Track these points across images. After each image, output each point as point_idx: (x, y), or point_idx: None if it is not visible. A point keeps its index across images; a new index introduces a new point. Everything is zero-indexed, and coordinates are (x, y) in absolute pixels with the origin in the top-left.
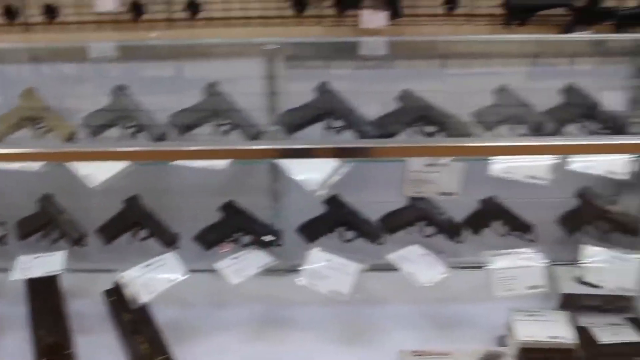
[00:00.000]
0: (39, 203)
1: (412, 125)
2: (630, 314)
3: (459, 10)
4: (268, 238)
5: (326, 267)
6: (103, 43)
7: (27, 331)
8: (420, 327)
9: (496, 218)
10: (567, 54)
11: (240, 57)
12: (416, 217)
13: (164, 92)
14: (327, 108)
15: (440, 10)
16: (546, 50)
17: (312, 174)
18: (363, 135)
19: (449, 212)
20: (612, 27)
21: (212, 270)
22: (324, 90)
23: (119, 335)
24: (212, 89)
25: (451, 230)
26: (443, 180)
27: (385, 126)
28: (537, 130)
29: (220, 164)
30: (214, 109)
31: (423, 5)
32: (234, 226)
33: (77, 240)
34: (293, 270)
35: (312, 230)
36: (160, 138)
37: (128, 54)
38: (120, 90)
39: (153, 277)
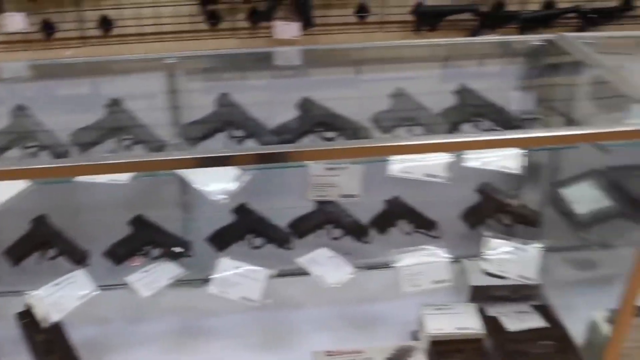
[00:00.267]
0: None
1: (311, 132)
2: (536, 302)
3: (371, 18)
4: (178, 249)
5: (235, 274)
6: (13, 63)
7: None
8: (334, 328)
9: (401, 217)
10: (475, 57)
11: (149, 72)
12: (324, 220)
13: (70, 110)
14: (226, 119)
15: (352, 19)
16: (455, 53)
17: (215, 184)
18: (263, 143)
19: (356, 214)
20: (517, 29)
21: (125, 285)
22: (223, 102)
23: (33, 357)
24: (114, 106)
25: (358, 231)
26: (344, 183)
27: (284, 133)
28: (432, 131)
29: (122, 178)
30: (116, 126)
31: (335, 14)
32: (143, 240)
33: None
34: (206, 280)
35: (222, 239)
36: (62, 156)
37: (41, 73)
38: (20, 111)
39: (62, 296)
